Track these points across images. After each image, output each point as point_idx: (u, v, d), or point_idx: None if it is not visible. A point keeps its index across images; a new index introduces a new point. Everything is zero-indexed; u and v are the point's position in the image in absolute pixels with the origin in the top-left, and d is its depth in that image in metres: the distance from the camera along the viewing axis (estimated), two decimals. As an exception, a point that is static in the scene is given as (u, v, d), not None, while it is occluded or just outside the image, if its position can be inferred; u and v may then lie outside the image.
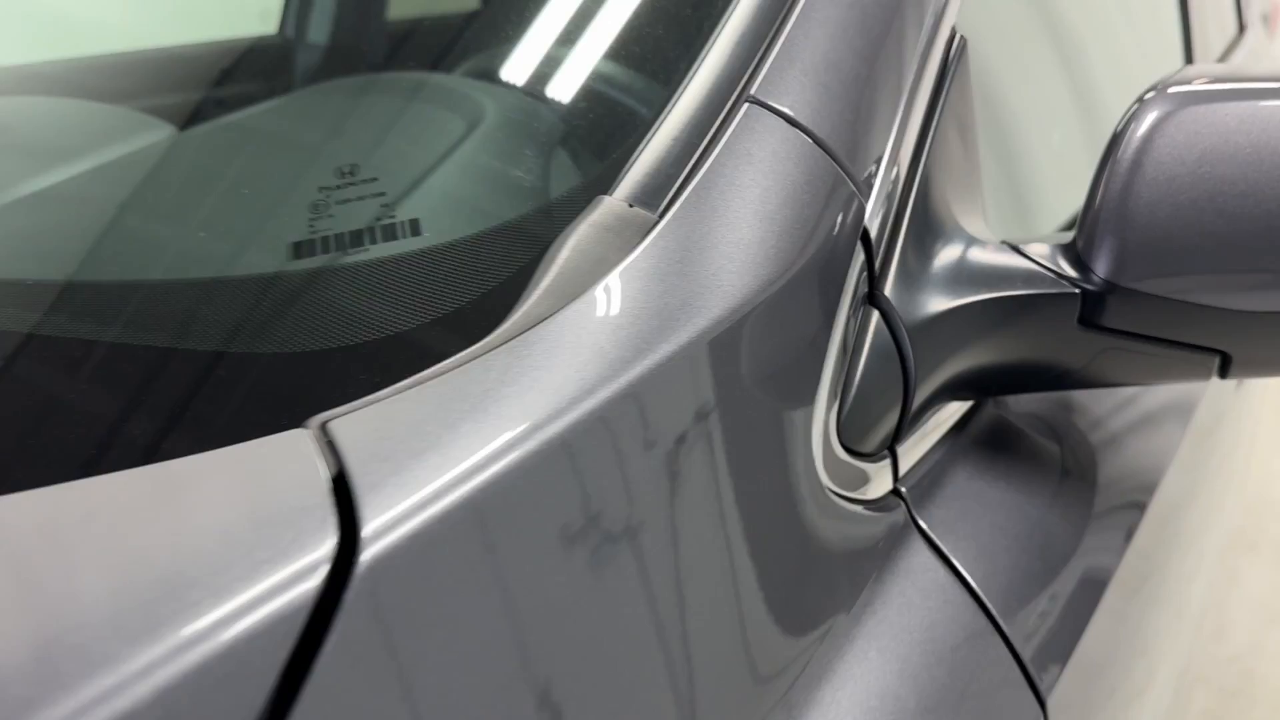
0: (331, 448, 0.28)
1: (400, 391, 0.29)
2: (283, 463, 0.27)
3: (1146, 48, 1.09)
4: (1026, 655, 0.43)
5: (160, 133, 0.82)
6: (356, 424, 0.28)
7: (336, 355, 0.34)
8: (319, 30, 1.68)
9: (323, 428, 0.29)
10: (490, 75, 0.53)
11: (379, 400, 0.29)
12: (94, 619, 0.22)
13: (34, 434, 0.33)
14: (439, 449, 0.27)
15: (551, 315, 0.32)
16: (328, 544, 0.25)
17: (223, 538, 0.24)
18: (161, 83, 1.31)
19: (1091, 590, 0.50)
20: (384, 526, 0.26)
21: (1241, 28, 1.90)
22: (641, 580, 0.30)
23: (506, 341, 0.31)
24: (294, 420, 0.28)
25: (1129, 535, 0.55)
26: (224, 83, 1.44)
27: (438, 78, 0.53)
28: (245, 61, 1.58)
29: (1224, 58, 1.60)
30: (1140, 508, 0.57)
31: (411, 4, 1.57)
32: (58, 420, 0.33)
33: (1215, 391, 0.92)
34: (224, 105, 1.08)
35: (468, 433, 0.28)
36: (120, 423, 0.32)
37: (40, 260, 0.43)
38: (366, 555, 0.26)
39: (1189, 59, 1.18)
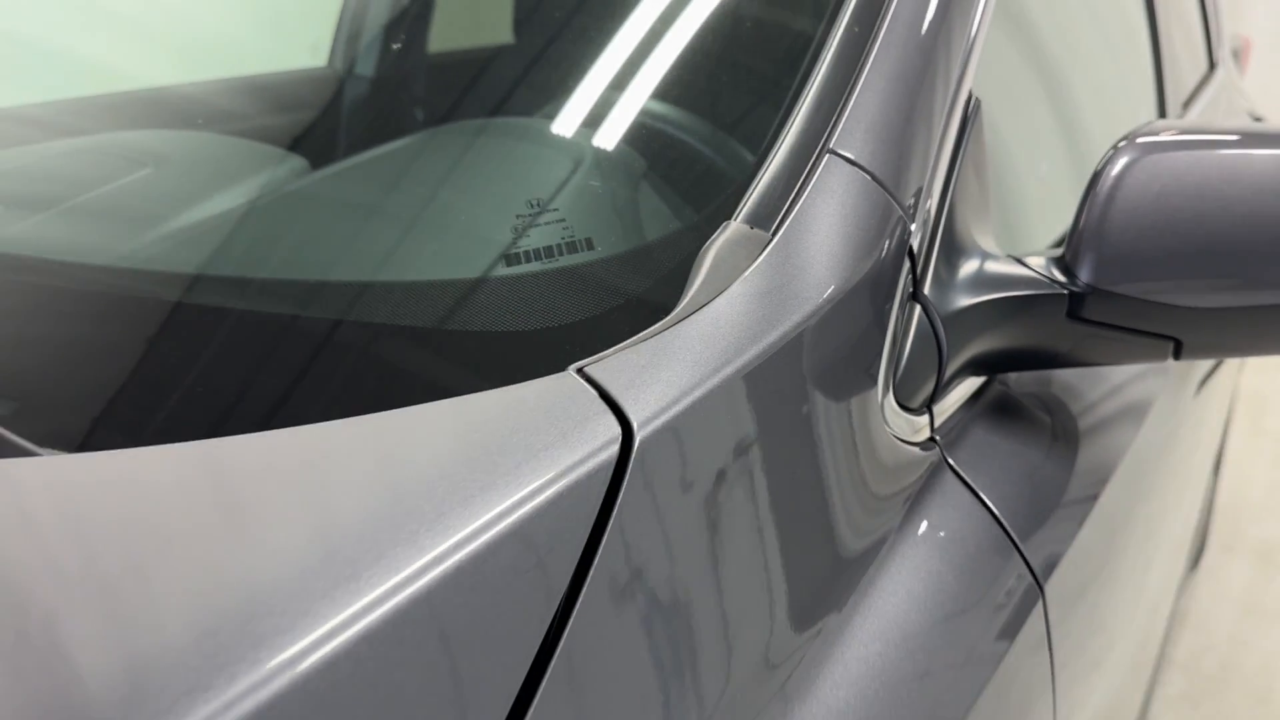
0: (589, 381, 0.42)
1: (617, 352, 0.44)
2: (562, 391, 0.41)
3: (1123, 89, 1.25)
4: (1029, 554, 0.57)
5: (280, 160, 0.96)
6: (600, 369, 0.42)
7: (559, 330, 0.48)
8: (365, 64, 1.82)
9: (578, 371, 0.43)
10: (607, 125, 0.68)
11: (605, 357, 0.44)
12: (472, 479, 0.37)
13: (383, 383, 0.47)
14: (658, 384, 0.42)
15: (708, 303, 0.47)
16: (615, 429, 0.40)
17: (549, 429, 0.39)
18: (230, 112, 1.45)
19: (1079, 513, 0.65)
20: (645, 420, 0.40)
21: (1212, 65, 2.05)
22: (778, 470, 0.45)
23: (681, 320, 0.46)
24: (551, 370, 0.43)
25: (1103, 482, 0.70)
26: (286, 112, 1.59)
27: (580, 129, 0.68)
28: (300, 92, 1.72)
29: (1196, 93, 1.75)
30: (1111, 465, 0.72)
31: (449, 37, 1.71)
32: (401, 382, 0.48)
33: (1175, 389, 1.08)
34: (327, 135, 1.23)
35: (673, 376, 0.42)
36: (435, 375, 0.47)
37: (313, 264, 0.57)
38: (640, 435, 0.40)
39: (1161, 98, 1.34)
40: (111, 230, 0.67)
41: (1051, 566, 0.59)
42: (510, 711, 0.33)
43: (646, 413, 0.41)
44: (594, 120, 0.69)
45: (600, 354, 0.44)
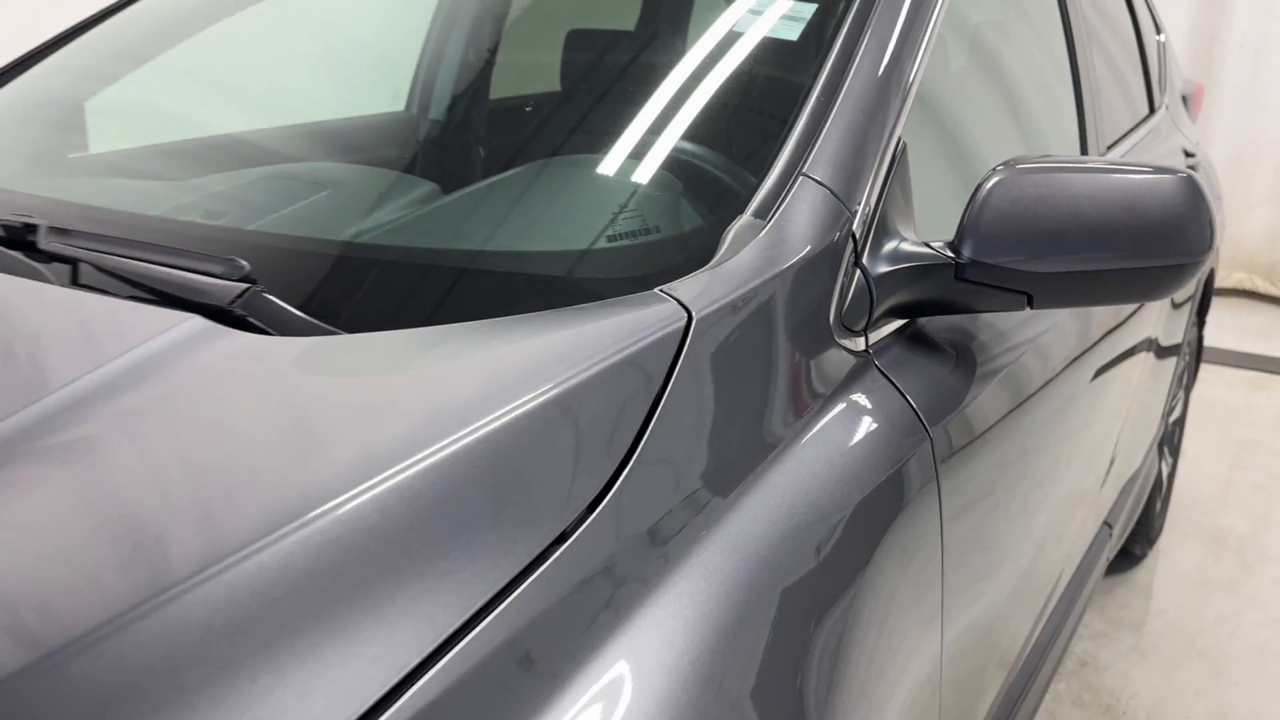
0: (665, 293, 0.76)
1: (685, 280, 0.78)
2: (651, 298, 0.75)
3: (1045, 132, 1.60)
4: (933, 435, 0.91)
5: (416, 185, 1.32)
6: (670, 288, 0.77)
7: (647, 275, 0.83)
8: (438, 108, 2.18)
9: (659, 290, 0.78)
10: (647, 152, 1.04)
11: (679, 284, 0.78)
12: (599, 325, 0.71)
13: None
14: (703, 298, 0.76)
15: (734, 258, 0.82)
16: (682, 313, 0.73)
17: (644, 313, 0.73)
18: (348, 148, 1.81)
19: (972, 427, 0.98)
20: (699, 311, 0.73)
21: (1152, 108, 2.40)
22: (760, 349, 0.79)
23: (715, 267, 0.80)
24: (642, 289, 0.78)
25: (992, 417, 1.04)
26: (378, 148, 1.95)
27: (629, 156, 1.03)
28: (386, 132, 2.08)
29: (1130, 133, 2.09)
30: (1000, 407, 1.07)
31: (508, 85, 2.06)
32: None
33: (1070, 373, 1.42)
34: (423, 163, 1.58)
35: (711, 293, 0.76)
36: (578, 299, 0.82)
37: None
38: (697, 317, 0.73)
39: (1082, 137, 1.69)
40: (335, 222, 1.04)
41: (948, 454, 0.93)
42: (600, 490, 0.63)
43: (698, 308, 0.75)
44: (643, 153, 1.05)
45: (669, 283, 0.78)
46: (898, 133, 1.01)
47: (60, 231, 0.91)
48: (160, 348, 0.70)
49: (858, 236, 0.92)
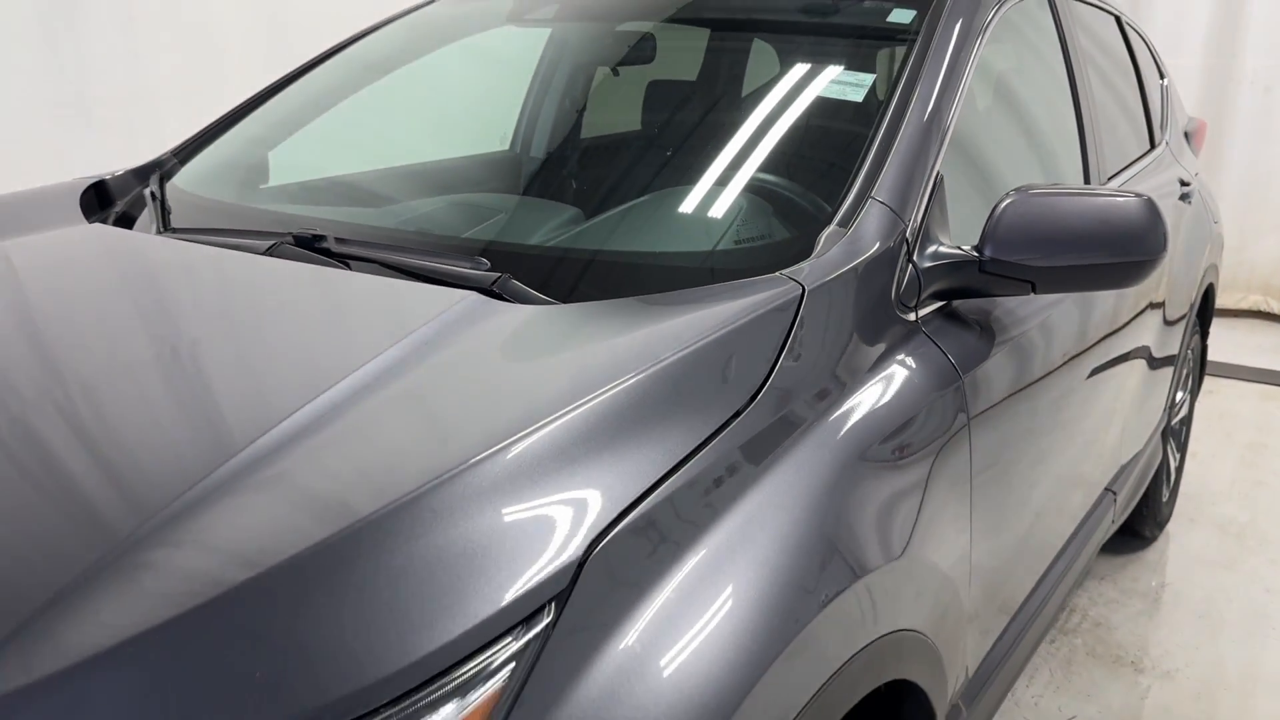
0: (786, 276, 1.14)
1: (796, 267, 1.16)
2: (776, 279, 1.12)
3: (1054, 163, 1.98)
4: (967, 388, 1.28)
5: (562, 210, 1.73)
6: (795, 272, 1.14)
7: (764, 267, 1.21)
8: (538, 148, 2.58)
9: (782, 274, 1.15)
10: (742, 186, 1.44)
11: (793, 269, 1.15)
12: (730, 298, 1.09)
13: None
14: (810, 278, 1.13)
15: (827, 253, 1.19)
16: (798, 288, 1.10)
17: (770, 290, 1.09)
18: (464, 180, 2.21)
19: (997, 390, 1.36)
20: (810, 286, 1.09)
21: (1153, 144, 2.77)
22: (849, 310, 1.17)
23: (816, 259, 1.18)
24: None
25: (1009, 389, 1.42)
26: (493, 180, 2.35)
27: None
28: (494, 168, 2.48)
29: (1131, 165, 2.46)
30: (1017, 380, 1.44)
31: (594, 128, 2.46)
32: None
33: (1073, 368, 1.79)
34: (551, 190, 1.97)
35: (814, 274, 1.13)
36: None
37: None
38: (808, 290, 1.09)
39: (1086, 168, 2.06)
40: (525, 232, 1.45)
41: (974, 393, 1.30)
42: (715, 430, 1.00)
43: (808, 284, 1.12)
44: (744, 186, 1.45)
45: (788, 268, 1.17)
46: (937, 167, 1.39)
47: (340, 240, 1.32)
48: (463, 308, 1.10)
49: (910, 241, 1.31)
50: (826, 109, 1.55)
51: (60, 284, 1.36)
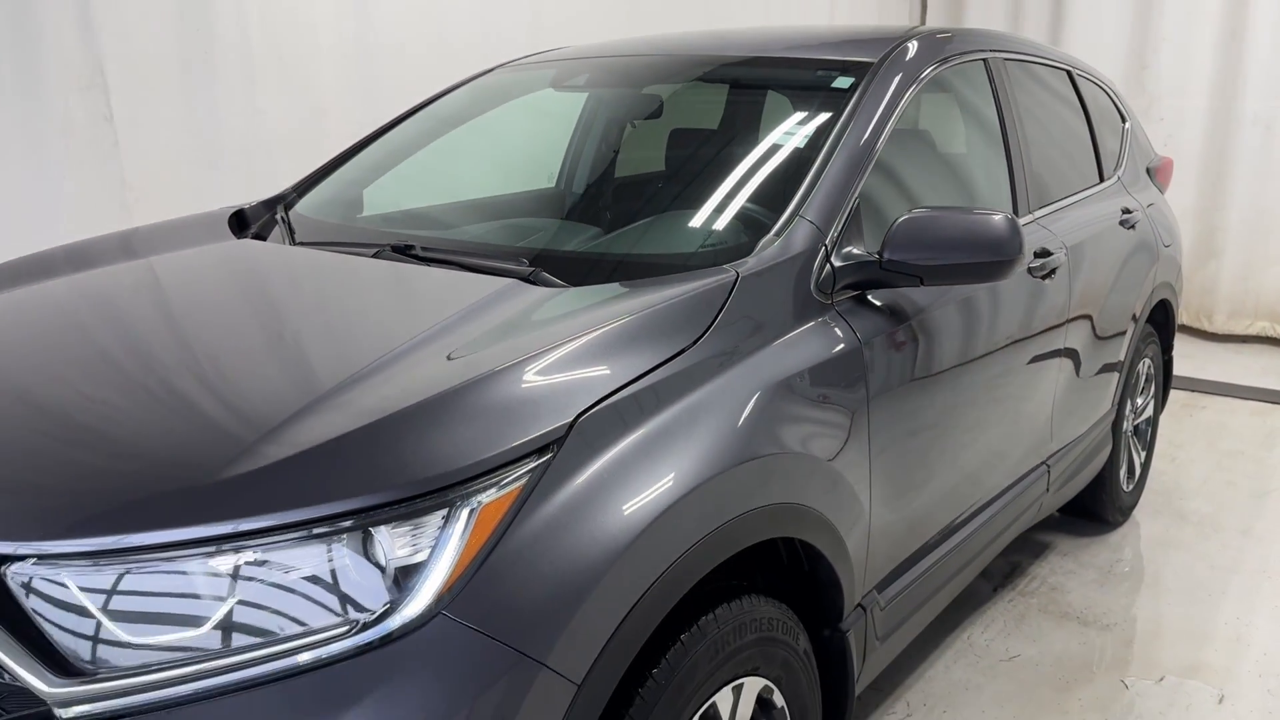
0: (730, 271, 1.65)
1: (736, 262, 1.68)
2: (720, 271, 1.66)
3: (984, 189, 2.48)
4: (864, 348, 1.77)
5: (591, 230, 2.28)
6: (734, 265, 1.66)
7: (716, 261, 1.73)
8: (578, 185, 3.13)
9: (725, 266, 1.68)
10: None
11: (733, 264, 1.67)
12: (690, 285, 1.61)
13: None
14: (743, 267, 1.65)
15: (760, 254, 1.70)
16: (734, 273, 1.61)
17: (716, 276, 1.62)
18: (518, 209, 2.77)
19: (905, 371, 1.85)
20: (744, 272, 1.62)
21: (1102, 176, 3.23)
22: (773, 295, 1.68)
23: (752, 256, 1.69)
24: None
25: (919, 370, 1.90)
26: (542, 210, 2.89)
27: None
28: (543, 201, 3.03)
29: (1072, 195, 2.93)
30: (932, 362, 1.93)
31: (629, 168, 3.01)
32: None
33: (1009, 351, 2.27)
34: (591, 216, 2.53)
35: (746, 267, 1.65)
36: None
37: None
38: (742, 276, 1.60)
39: (1014, 198, 2.54)
40: (558, 242, 2.01)
41: (871, 355, 1.79)
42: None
43: (743, 273, 1.62)
44: (718, 206, 1.98)
45: (729, 263, 1.68)
46: (855, 194, 1.91)
47: (425, 248, 1.88)
48: (504, 288, 1.64)
49: (829, 247, 1.81)
50: (780, 150, 2.07)
51: (234, 273, 1.95)
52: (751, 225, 1.89)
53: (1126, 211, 3.16)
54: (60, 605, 1.12)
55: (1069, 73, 3.20)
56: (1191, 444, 4.38)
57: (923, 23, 7.12)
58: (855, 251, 1.86)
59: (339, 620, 1.13)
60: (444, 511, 1.18)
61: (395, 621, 1.13)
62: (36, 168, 2.95)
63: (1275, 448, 4.36)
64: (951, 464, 2.15)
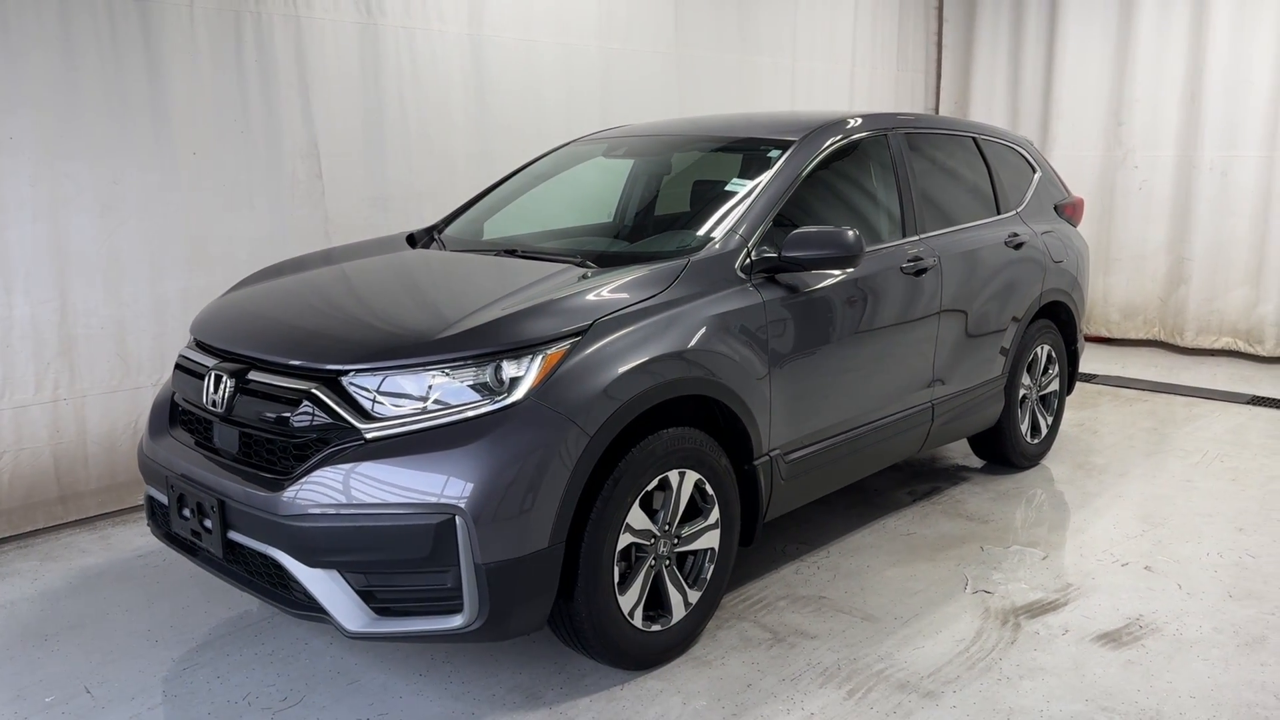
0: (686, 258, 3.06)
1: (689, 255, 3.09)
2: (680, 259, 3.06)
3: (879, 218, 3.83)
4: (767, 307, 3.10)
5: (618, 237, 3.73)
6: (689, 256, 3.08)
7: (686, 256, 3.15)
8: (627, 218, 4.59)
9: (685, 258, 3.08)
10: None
11: (688, 256, 3.07)
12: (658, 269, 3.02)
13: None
14: (698, 257, 3.05)
15: (702, 252, 3.11)
16: (686, 260, 3.04)
17: (679, 260, 3.04)
18: (587, 234, 4.23)
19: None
20: (692, 260, 3.01)
21: (999, 211, 4.53)
22: (711, 276, 3.08)
23: (695, 253, 3.10)
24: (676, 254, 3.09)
25: (821, 332, 3.26)
26: (601, 236, 4.35)
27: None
28: (602, 229, 4.49)
29: (958, 223, 4.24)
30: (831, 326, 3.27)
31: (665, 208, 4.44)
32: None
33: (896, 320, 3.62)
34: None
35: (700, 256, 3.06)
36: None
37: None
38: (690, 262, 3.02)
39: (903, 222, 3.88)
40: (606, 248, 3.46)
41: (774, 309, 3.12)
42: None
43: (691, 260, 3.01)
44: (687, 226, 3.40)
45: (686, 256, 3.08)
46: (771, 218, 3.29)
47: (524, 250, 3.35)
48: (565, 269, 3.08)
49: (750, 249, 3.18)
50: (733, 192, 3.48)
51: (418, 262, 3.46)
52: (707, 237, 3.30)
53: (1014, 235, 4.45)
54: (362, 390, 2.58)
55: (974, 139, 4.53)
56: (1119, 424, 5.54)
57: (938, 96, 8.44)
58: (766, 250, 3.24)
59: (485, 399, 2.56)
60: (530, 355, 2.60)
61: (510, 400, 2.55)
62: (274, 206, 4.56)
63: (1185, 426, 5.50)
64: (831, 382, 3.46)
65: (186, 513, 2.77)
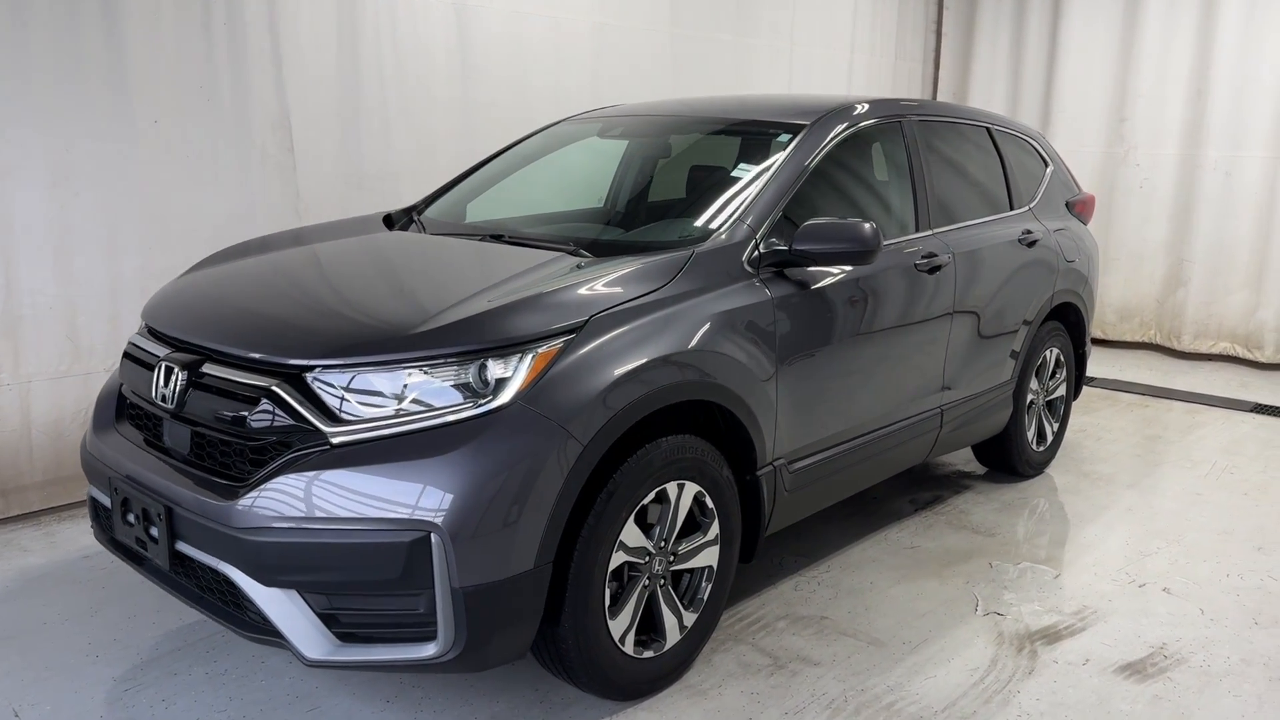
0: (691, 249, 2.80)
1: (695, 245, 2.83)
2: (684, 249, 2.79)
3: (894, 210, 3.59)
4: (775, 304, 2.86)
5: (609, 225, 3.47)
6: (694, 246, 2.82)
7: (690, 246, 2.89)
8: (620, 203, 4.32)
9: (690, 249, 2.83)
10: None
11: (693, 246, 2.82)
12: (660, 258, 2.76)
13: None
14: (703, 249, 2.80)
15: (709, 241, 2.84)
16: (692, 252, 2.77)
17: (684, 250, 2.77)
18: (578, 218, 3.96)
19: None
20: (697, 251, 2.77)
21: (1012, 207, 4.30)
22: (713, 268, 2.82)
23: (702, 241, 2.83)
24: (677, 247, 2.84)
25: (824, 332, 3.02)
26: (593, 220, 4.08)
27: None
28: (594, 214, 4.23)
29: (971, 218, 4.01)
30: (842, 327, 3.02)
31: (658, 194, 4.18)
32: None
33: (903, 322, 3.37)
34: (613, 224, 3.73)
35: (705, 248, 2.80)
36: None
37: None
38: (695, 254, 2.75)
39: (916, 216, 3.64)
40: (596, 235, 3.18)
41: (781, 306, 2.87)
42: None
43: (697, 251, 2.75)
44: (690, 214, 3.13)
45: (692, 246, 2.81)
46: (781, 208, 3.04)
47: (511, 236, 3.07)
48: (555, 258, 2.80)
49: (759, 240, 2.93)
50: (738, 179, 3.22)
51: (395, 245, 3.16)
52: (713, 227, 3.04)
53: (1027, 232, 4.22)
54: (328, 388, 2.30)
55: (988, 129, 4.29)
56: (1121, 429, 5.35)
57: (935, 85, 8.21)
58: (776, 244, 2.98)
59: (467, 402, 2.28)
60: (519, 354, 2.33)
61: (495, 404, 2.28)
62: (242, 181, 4.25)
63: (1188, 434, 5.31)
64: (840, 386, 3.23)
65: (131, 518, 2.49)
